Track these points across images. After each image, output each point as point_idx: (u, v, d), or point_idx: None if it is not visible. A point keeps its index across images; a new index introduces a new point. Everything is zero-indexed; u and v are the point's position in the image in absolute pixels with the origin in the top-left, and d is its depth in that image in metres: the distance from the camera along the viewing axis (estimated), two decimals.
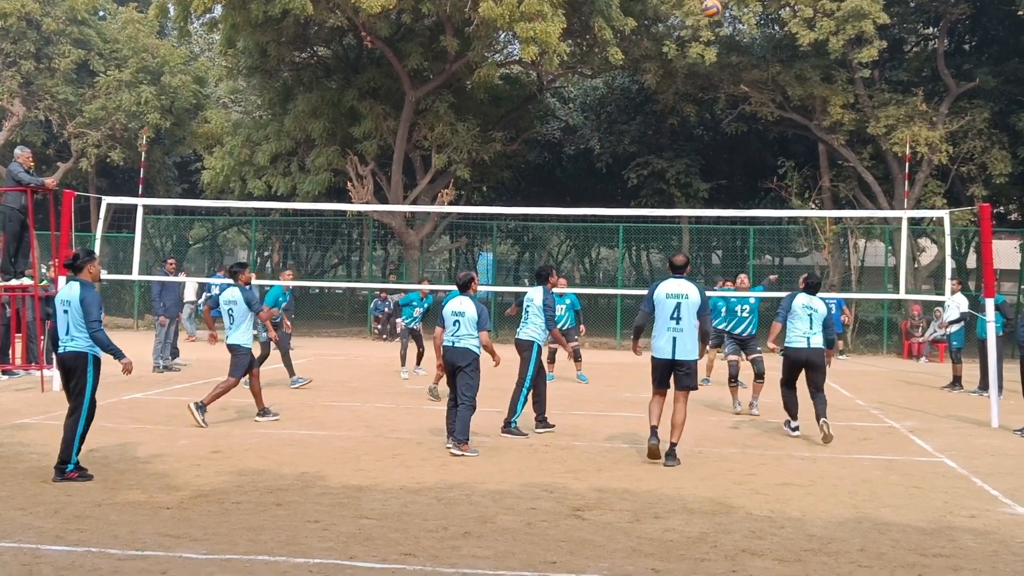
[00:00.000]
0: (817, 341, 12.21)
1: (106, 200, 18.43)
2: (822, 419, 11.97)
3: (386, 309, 29.64)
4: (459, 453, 10.65)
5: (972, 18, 31.29)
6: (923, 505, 8.70)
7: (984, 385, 17.05)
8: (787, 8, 27.60)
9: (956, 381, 19.09)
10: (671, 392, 10.63)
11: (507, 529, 7.53)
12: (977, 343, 18.10)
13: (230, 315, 12.97)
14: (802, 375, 12.31)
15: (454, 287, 11.70)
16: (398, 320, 19.67)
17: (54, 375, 15.16)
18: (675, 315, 10.45)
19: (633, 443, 11.69)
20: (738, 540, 7.38)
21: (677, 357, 10.45)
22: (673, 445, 10.44)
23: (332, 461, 10.06)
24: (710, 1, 15.43)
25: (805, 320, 12.23)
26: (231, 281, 13.33)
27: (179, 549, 6.76)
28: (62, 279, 15.50)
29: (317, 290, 40.06)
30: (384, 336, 29.26)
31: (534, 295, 12.66)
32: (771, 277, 19.13)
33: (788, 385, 12.58)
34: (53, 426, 11.75)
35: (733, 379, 14.94)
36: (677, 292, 10.55)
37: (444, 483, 9.11)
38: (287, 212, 33.87)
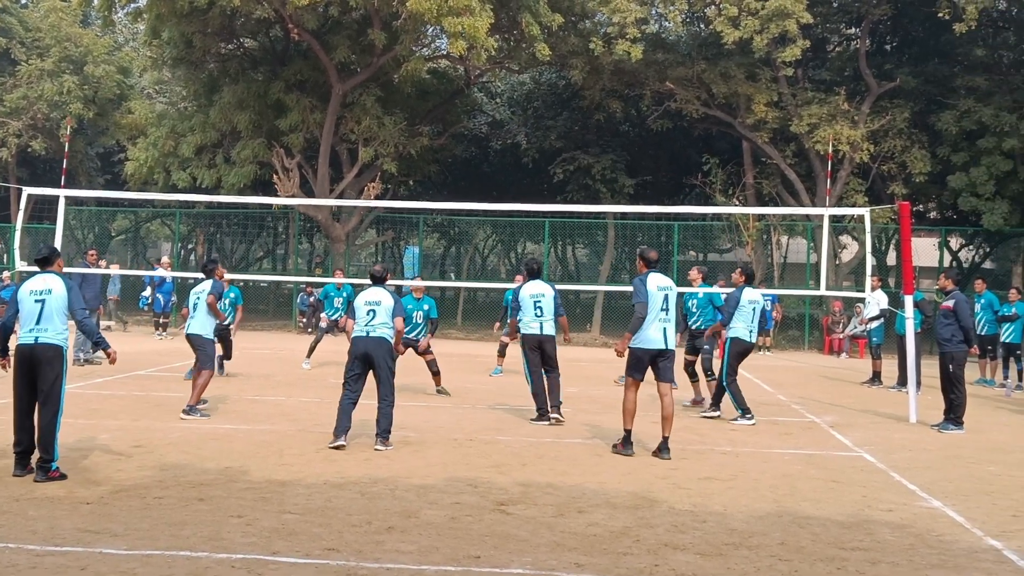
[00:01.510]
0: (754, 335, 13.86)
1: (27, 191, 18.10)
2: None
3: (311, 302, 29.49)
4: (384, 448, 10.57)
5: (893, 19, 31.93)
6: (842, 499, 8.85)
7: (903, 381, 17.37)
8: (712, 6, 27.88)
9: (876, 377, 19.40)
10: (644, 390, 11.17)
11: (431, 524, 7.53)
12: (896, 339, 18.44)
13: (195, 305, 13.03)
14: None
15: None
16: (322, 315, 19.79)
17: None
18: (665, 306, 10.83)
19: (557, 437, 11.74)
20: (661, 534, 7.45)
21: (668, 346, 10.82)
22: (666, 439, 10.77)
23: (255, 455, 9.98)
24: None
25: (750, 314, 13.64)
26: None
27: (99, 545, 6.67)
28: None
29: (242, 283, 39.59)
30: (309, 330, 29.05)
31: (543, 290, 12.95)
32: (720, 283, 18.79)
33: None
34: None
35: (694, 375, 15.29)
36: (666, 285, 10.95)
37: (368, 477, 9.09)
38: (212, 204, 33.48)
